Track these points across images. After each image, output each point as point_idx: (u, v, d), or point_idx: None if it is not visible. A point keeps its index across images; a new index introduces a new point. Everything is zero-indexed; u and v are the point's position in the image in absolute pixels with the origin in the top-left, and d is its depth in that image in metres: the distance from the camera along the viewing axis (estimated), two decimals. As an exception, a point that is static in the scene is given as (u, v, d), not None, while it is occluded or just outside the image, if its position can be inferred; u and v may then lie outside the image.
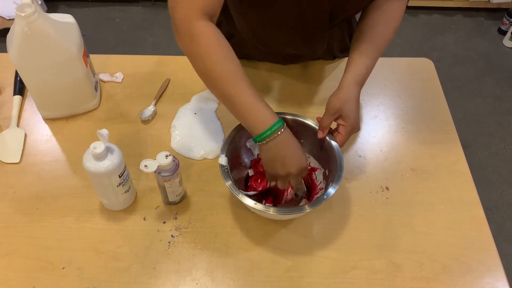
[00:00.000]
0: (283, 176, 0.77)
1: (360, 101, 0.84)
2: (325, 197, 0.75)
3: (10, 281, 0.76)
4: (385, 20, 0.87)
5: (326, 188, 0.78)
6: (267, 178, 0.83)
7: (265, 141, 0.74)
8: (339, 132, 0.83)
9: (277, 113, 0.78)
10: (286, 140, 0.75)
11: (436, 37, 2.61)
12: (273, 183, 0.82)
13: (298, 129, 0.83)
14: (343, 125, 0.82)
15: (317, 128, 0.84)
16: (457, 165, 0.93)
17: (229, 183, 0.77)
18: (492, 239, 0.82)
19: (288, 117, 0.85)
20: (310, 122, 0.85)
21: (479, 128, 2.15)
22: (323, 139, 0.83)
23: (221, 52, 0.74)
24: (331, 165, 0.82)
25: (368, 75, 0.84)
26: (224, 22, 0.99)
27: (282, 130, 0.74)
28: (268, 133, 0.73)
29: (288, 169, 0.75)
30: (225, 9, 0.92)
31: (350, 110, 0.81)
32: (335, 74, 1.10)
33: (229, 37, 1.03)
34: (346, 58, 0.88)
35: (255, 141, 0.76)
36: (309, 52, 0.99)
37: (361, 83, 0.83)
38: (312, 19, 0.86)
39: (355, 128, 0.83)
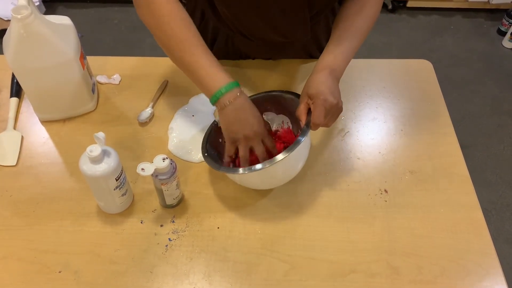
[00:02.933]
0: (242, 139, 0.79)
1: (339, 87, 0.83)
2: (301, 138, 0.76)
3: (6, 284, 0.76)
4: (357, 11, 0.88)
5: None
6: (226, 147, 0.84)
7: (223, 105, 0.78)
8: (312, 112, 0.81)
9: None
10: (244, 104, 0.79)
11: (435, 38, 2.61)
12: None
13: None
14: (312, 103, 0.80)
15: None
16: (456, 167, 0.93)
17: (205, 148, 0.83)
18: (491, 242, 0.82)
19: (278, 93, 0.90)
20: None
21: (478, 129, 2.14)
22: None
23: (178, 22, 0.80)
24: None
25: (339, 63, 0.85)
26: (212, 16, 0.99)
27: (239, 94, 0.78)
28: (223, 91, 0.77)
29: (246, 131, 0.79)
30: (211, 4, 0.94)
31: (315, 87, 0.80)
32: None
33: (216, 32, 1.05)
34: None
35: (213, 102, 0.79)
36: (293, 40, 1.01)
37: (328, 69, 0.83)
38: (291, 7, 0.88)
39: (327, 101, 0.79)
